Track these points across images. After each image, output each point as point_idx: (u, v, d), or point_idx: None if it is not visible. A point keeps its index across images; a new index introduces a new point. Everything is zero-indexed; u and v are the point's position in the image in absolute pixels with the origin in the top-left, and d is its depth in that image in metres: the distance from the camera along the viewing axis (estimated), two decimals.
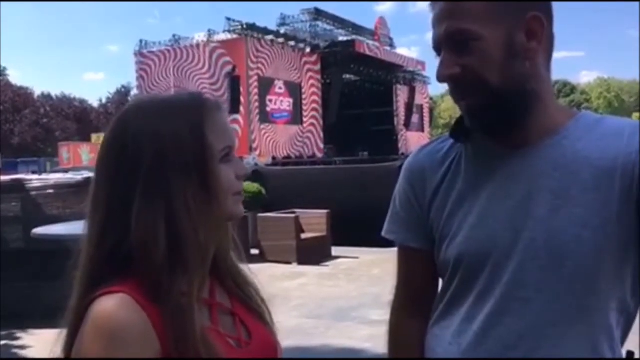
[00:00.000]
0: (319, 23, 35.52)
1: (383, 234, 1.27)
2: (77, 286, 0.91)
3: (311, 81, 34.41)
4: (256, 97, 30.14)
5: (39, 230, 5.40)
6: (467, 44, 1.03)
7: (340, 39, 36.61)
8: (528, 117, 1.07)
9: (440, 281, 1.20)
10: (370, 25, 40.51)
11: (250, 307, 1.05)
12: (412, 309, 1.24)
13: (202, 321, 0.89)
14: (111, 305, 0.84)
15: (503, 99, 1.04)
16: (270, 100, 31.41)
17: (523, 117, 1.07)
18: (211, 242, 0.95)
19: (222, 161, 0.96)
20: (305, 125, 33.85)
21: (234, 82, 28.48)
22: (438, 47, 1.08)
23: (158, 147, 0.90)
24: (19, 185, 6.61)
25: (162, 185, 0.90)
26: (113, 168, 0.93)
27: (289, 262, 8.63)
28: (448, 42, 1.05)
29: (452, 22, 1.04)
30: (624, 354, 1.08)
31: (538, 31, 1.05)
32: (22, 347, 5.02)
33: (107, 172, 0.93)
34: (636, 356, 1.11)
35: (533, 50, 1.05)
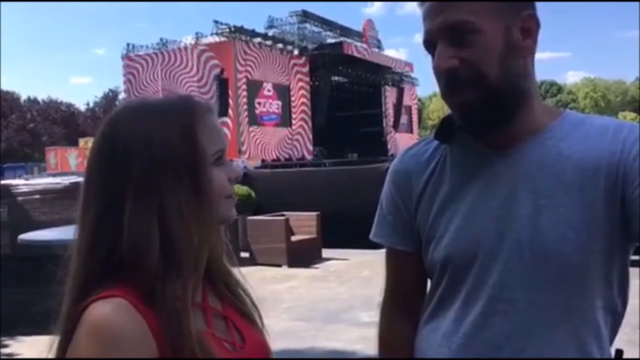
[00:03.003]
0: (307, 25, 35.52)
1: (371, 237, 1.26)
2: (68, 292, 0.90)
3: (300, 83, 34.37)
4: (245, 100, 30.06)
5: (26, 236, 5.35)
6: (466, 36, 1.01)
7: (329, 41, 36.62)
8: (516, 116, 1.06)
9: (429, 282, 1.20)
10: (358, 27, 40.63)
11: (241, 311, 1.05)
12: (402, 311, 1.25)
13: (197, 325, 0.89)
14: (108, 310, 0.83)
15: (498, 96, 1.03)
16: (259, 103, 31.34)
17: (512, 115, 1.06)
18: (204, 246, 0.94)
19: (214, 164, 0.95)
20: (294, 127, 33.79)
21: (222, 85, 28.35)
22: (432, 40, 1.05)
23: (149, 152, 0.90)
24: (6, 190, 6.56)
25: (154, 189, 0.89)
26: (103, 173, 0.92)
27: (279, 265, 8.61)
28: (445, 34, 1.03)
29: (450, 14, 1.02)
30: (612, 353, 1.08)
31: (533, 30, 1.06)
32: (11, 355, 4.97)
33: (98, 177, 0.92)
34: (634, 355, 1.11)
35: (527, 49, 1.06)
